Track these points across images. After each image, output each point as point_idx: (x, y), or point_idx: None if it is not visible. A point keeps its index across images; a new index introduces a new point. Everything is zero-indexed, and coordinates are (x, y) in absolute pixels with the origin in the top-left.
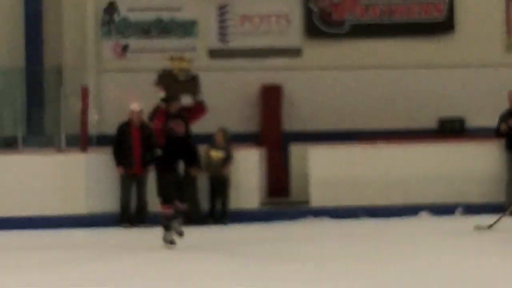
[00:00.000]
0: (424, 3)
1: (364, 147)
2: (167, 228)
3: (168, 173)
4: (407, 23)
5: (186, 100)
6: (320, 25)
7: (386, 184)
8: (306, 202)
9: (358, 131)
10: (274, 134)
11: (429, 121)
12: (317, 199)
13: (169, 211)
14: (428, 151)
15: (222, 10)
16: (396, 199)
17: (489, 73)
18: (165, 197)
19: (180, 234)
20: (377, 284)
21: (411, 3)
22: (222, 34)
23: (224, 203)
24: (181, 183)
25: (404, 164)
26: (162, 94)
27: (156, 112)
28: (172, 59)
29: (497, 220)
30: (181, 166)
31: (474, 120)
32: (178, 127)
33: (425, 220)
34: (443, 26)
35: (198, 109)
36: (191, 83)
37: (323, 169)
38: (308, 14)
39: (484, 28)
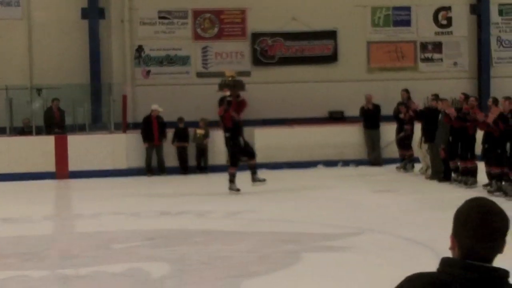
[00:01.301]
0: (321, 44)
1: (287, 127)
2: (232, 181)
3: (235, 145)
4: (311, 56)
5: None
6: (261, 58)
7: (299, 149)
8: None
9: (285, 119)
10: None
11: (323, 112)
12: (259, 158)
13: (234, 170)
14: (323, 130)
15: (204, 50)
16: (304, 157)
17: (357, 84)
18: (234, 162)
19: (261, 180)
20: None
21: (313, 45)
22: (205, 63)
23: (205, 161)
24: (244, 150)
25: (309, 137)
26: (227, 93)
27: (221, 103)
28: (226, 71)
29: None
30: None
31: (349, 112)
32: (237, 115)
33: (321, 169)
34: (331, 58)
35: (244, 103)
36: (238, 87)
37: (263, 141)
38: (254, 51)
39: (354, 59)
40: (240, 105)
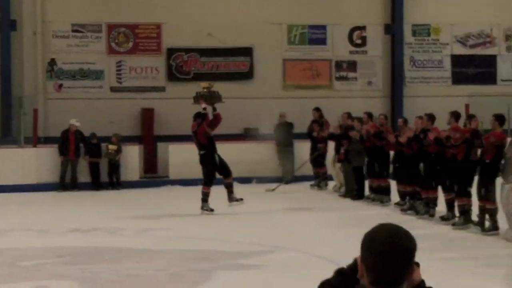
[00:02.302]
0: (237, 61)
1: None
2: (205, 200)
3: (211, 163)
4: (226, 72)
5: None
6: (176, 73)
7: None
8: (167, 176)
9: None
10: (149, 137)
11: (239, 129)
12: (173, 175)
13: (208, 189)
14: (237, 146)
15: (118, 64)
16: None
17: (272, 102)
18: (208, 181)
19: (238, 200)
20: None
21: (229, 61)
22: (119, 77)
23: (118, 177)
24: (219, 168)
25: (224, 154)
26: (203, 105)
27: (196, 117)
28: (202, 83)
29: (277, 186)
30: None
31: (264, 130)
32: (211, 131)
33: (235, 186)
34: (247, 75)
35: (219, 117)
36: (215, 98)
37: (177, 157)
38: (169, 67)
39: (270, 76)
40: (215, 119)
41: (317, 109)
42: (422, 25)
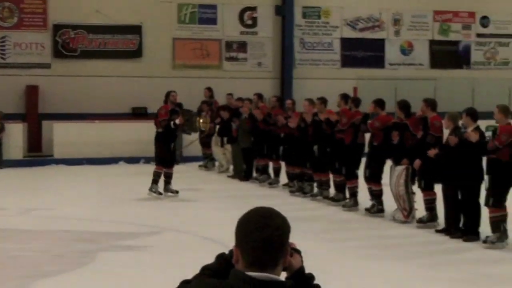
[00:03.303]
0: (125, 39)
1: (88, 122)
2: (155, 182)
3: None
4: (115, 50)
5: None
6: (62, 50)
7: (100, 144)
8: (52, 155)
9: (86, 113)
10: (33, 114)
11: (127, 108)
12: (58, 154)
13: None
14: (125, 125)
15: (2, 39)
16: (105, 153)
17: (161, 81)
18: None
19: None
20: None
21: (118, 39)
22: (2, 53)
23: (0, 155)
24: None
25: (111, 133)
26: (178, 121)
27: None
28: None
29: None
30: None
31: (153, 109)
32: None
33: (122, 166)
34: (136, 53)
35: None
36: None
37: (62, 136)
38: (55, 43)
39: (159, 55)
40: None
41: (209, 89)
42: (312, 8)
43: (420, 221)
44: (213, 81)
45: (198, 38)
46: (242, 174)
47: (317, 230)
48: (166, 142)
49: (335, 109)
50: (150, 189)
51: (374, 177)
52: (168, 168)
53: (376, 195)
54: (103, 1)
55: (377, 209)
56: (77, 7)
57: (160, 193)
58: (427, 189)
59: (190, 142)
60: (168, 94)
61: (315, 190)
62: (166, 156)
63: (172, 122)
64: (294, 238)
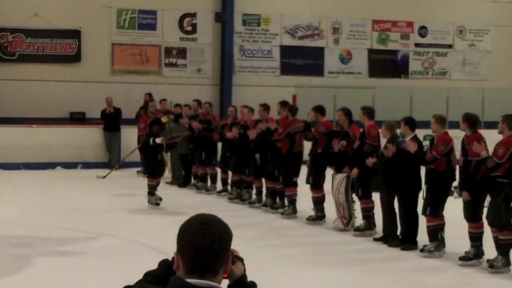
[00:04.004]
0: (64, 43)
1: (25, 127)
2: (152, 194)
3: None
4: (53, 54)
5: None
6: (0, 54)
7: (37, 149)
8: None
9: (23, 118)
10: None
11: (65, 113)
12: None
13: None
14: (63, 130)
15: None
16: (42, 158)
17: (100, 86)
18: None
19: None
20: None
21: (56, 43)
22: None
23: None
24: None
25: (48, 137)
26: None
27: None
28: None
29: (108, 173)
30: None
31: (91, 114)
32: None
33: (60, 171)
34: (75, 58)
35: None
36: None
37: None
38: None
39: (98, 60)
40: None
41: (149, 94)
42: (252, 15)
43: (357, 229)
44: (152, 87)
45: (137, 44)
46: (180, 180)
47: (254, 237)
48: (152, 152)
49: (275, 116)
50: (149, 202)
51: (316, 184)
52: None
53: (317, 202)
54: (42, 5)
55: (316, 216)
56: (15, 10)
57: (158, 204)
58: (364, 198)
59: (132, 150)
60: (146, 105)
61: (253, 197)
62: (154, 166)
63: (151, 139)
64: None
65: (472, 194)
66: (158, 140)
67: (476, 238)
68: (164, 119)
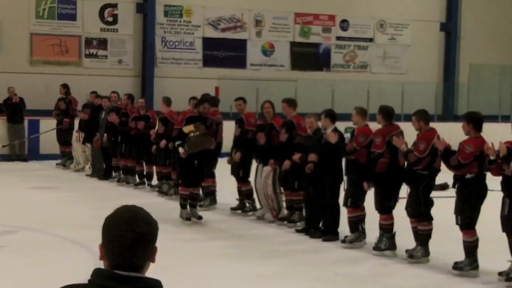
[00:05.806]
0: None
1: None
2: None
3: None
4: None
5: None
6: None
7: None
8: None
9: None
10: None
11: None
12: None
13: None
14: None
15: None
16: None
17: (19, 77)
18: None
19: None
20: None
21: None
22: None
23: None
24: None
25: None
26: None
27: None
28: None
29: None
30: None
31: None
32: None
33: None
34: None
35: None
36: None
37: None
38: None
39: (17, 51)
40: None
41: (64, 85)
42: (174, 6)
43: (282, 219)
44: (72, 78)
45: (56, 34)
46: (101, 173)
47: (176, 230)
48: (189, 157)
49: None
50: (180, 216)
51: (244, 177)
52: (193, 188)
53: (245, 195)
54: None
55: (248, 207)
56: None
57: (188, 219)
58: (293, 190)
59: (46, 131)
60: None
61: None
62: (189, 174)
63: (176, 143)
64: None
65: (381, 185)
66: (180, 151)
67: (388, 229)
68: (188, 128)
